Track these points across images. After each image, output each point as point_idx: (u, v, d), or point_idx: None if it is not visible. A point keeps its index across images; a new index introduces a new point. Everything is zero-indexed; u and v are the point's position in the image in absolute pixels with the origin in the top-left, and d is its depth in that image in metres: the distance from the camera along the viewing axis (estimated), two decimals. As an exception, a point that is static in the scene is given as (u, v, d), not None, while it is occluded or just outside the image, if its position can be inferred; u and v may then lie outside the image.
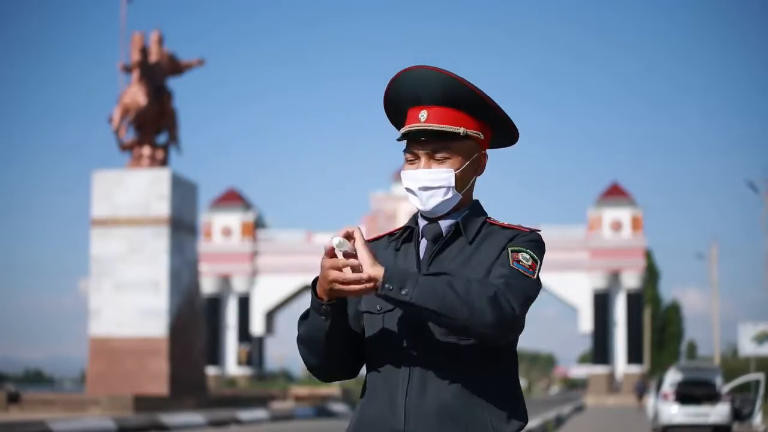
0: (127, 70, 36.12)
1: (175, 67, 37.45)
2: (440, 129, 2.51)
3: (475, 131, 2.55)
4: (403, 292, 2.34)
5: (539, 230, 2.54)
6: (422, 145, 2.54)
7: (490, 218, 2.59)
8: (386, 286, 2.33)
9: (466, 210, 2.59)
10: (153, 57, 36.59)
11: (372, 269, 2.33)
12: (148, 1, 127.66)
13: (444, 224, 2.56)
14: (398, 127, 2.65)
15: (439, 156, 2.53)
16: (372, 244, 2.62)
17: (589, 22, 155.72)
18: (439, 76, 2.50)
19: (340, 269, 2.34)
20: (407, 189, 2.56)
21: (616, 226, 67.62)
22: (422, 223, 2.60)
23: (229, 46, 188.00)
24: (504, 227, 2.56)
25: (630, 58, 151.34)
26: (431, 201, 2.53)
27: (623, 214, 67.89)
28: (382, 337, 2.52)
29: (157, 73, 36.53)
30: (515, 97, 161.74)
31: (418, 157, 2.55)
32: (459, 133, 2.52)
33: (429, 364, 2.45)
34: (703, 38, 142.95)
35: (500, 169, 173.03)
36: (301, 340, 2.55)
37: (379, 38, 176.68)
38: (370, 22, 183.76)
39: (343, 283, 2.34)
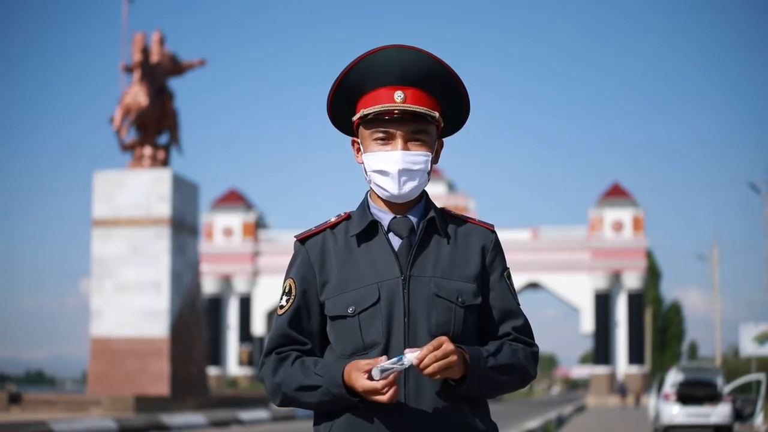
0: (129, 70, 36.09)
1: (176, 67, 37.42)
2: (421, 111, 2.33)
3: (440, 118, 2.41)
4: (490, 360, 2.32)
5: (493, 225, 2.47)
6: (400, 124, 2.34)
7: (442, 208, 2.45)
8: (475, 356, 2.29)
9: (424, 200, 2.43)
10: (154, 57, 36.56)
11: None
12: (149, 1, 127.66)
13: (414, 219, 2.39)
14: (340, 114, 2.46)
15: (417, 138, 2.35)
16: (311, 241, 2.52)
17: (590, 23, 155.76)
18: (420, 57, 2.34)
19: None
20: (379, 171, 2.35)
21: (618, 226, 67.56)
22: (384, 216, 2.40)
23: (230, 46, 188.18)
24: (467, 221, 2.44)
25: (631, 59, 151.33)
26: (408, 185, 2.34)
27: (624, 215, 67.83)
28: (359, 346, 2.34)
29: (159, 74, 36.49)
30: (516, 98, 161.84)
31: (392, 137, 2.35)
32: (435, 117, 2.36)
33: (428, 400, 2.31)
34: (704, 39, 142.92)
35: (501, 170, 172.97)
36: (287, 402, 2.38)
37: (380, 38, 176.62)
38: (370, 22, 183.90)
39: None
